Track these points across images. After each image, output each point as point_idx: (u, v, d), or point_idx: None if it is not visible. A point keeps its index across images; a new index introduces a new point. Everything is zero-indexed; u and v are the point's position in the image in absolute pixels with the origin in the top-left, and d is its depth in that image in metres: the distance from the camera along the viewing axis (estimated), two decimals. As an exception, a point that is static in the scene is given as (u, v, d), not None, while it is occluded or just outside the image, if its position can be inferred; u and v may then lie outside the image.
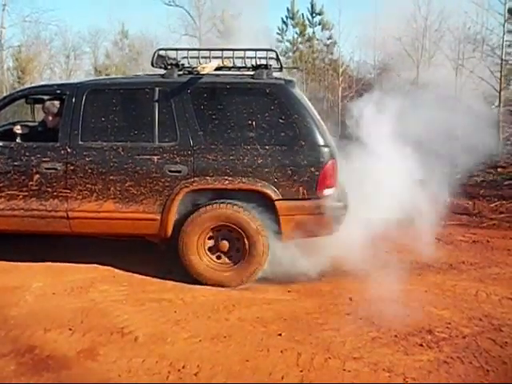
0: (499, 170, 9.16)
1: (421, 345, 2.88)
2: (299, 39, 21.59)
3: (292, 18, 21.85)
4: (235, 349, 2.81)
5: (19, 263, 4.13)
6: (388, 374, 2.57)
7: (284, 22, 21.86)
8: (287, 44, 21.81)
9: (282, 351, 2.78)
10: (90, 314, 3.24)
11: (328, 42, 20.84)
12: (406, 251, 4.64)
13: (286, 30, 21.89)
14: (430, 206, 4.56)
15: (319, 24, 21.21)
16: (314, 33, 21.32)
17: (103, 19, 44.36)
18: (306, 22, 21.47)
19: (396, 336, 2.98)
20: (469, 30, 13.11)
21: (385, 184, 4.30)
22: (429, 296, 3.61)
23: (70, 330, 3.03)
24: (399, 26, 14.07)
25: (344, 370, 2.59)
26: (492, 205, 6.94)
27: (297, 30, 21.74)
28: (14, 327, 3.06)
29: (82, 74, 23.18)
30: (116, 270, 4.05)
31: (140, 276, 3.95)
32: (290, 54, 21.30)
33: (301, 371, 2.58)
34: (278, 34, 21.64)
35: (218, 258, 3.90)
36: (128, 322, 3.14)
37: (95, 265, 4.11)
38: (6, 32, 19.25)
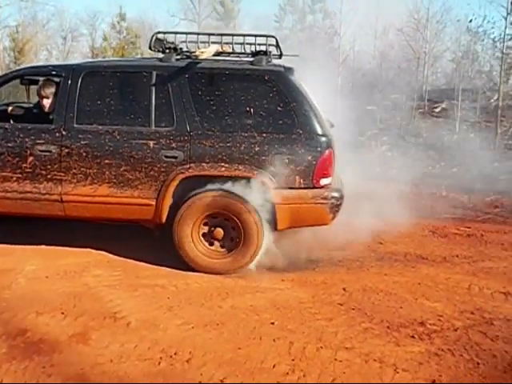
0: (495, 164, 9.17)
1: (412, 336, 2.88)
2: (298, 26, 21.40)
3: (290, 5, 21.64)
4: (228, 336, 2.81)
5: (12, 246, 4.09)
6: (379, 364, 2.58)
7: (282, 9, 21.65)
8: (285, 31, 21.64)
9: (274, 340, 2.78)
10: (82, 299, 3.23)
11: (328, 30, 20.67)
12: (400, 243, 4.64)
13: (284, 17, 21.72)
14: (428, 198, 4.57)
15: (319, 12, 21.05)
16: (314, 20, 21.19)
17: (102, 1, 43.74)
18: (307, 9, 21.29)
19: (388, 327, 2.98)
20: (470, 23, 13.08)
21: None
22: (422, 288, 3.61)
23: (63, 313, 3.01)
24: (401, 16, 14.01)
25: (335, 359, 2.60)
26: (487, 199, 6.96)
27: (295, 17, 21.57)
28: (5, 310, 3.04)
29: (78, 56, 22.96)
30: (110, 255, 4.03)
31: (134, 262, 3.93)
32: (289, 41, 21.11)
33: (292, 360, 2.58)
34: (275, 21, 21.47)
35: (212, 245, 3.88)
36: (121, 307, 3.12)
37: (89, 249, 4.09)
38: (2, 11, 18.98)
